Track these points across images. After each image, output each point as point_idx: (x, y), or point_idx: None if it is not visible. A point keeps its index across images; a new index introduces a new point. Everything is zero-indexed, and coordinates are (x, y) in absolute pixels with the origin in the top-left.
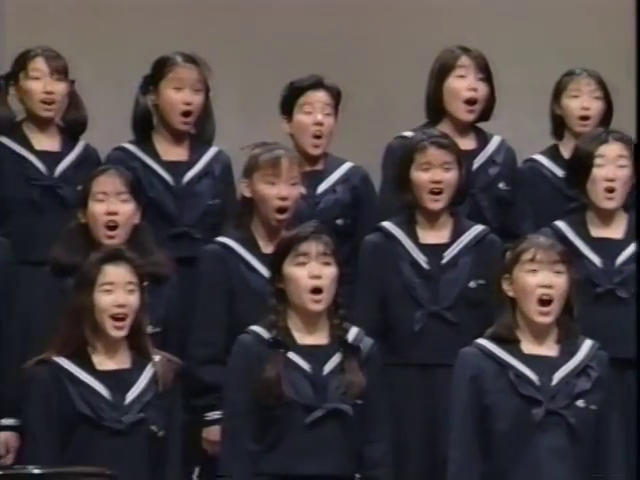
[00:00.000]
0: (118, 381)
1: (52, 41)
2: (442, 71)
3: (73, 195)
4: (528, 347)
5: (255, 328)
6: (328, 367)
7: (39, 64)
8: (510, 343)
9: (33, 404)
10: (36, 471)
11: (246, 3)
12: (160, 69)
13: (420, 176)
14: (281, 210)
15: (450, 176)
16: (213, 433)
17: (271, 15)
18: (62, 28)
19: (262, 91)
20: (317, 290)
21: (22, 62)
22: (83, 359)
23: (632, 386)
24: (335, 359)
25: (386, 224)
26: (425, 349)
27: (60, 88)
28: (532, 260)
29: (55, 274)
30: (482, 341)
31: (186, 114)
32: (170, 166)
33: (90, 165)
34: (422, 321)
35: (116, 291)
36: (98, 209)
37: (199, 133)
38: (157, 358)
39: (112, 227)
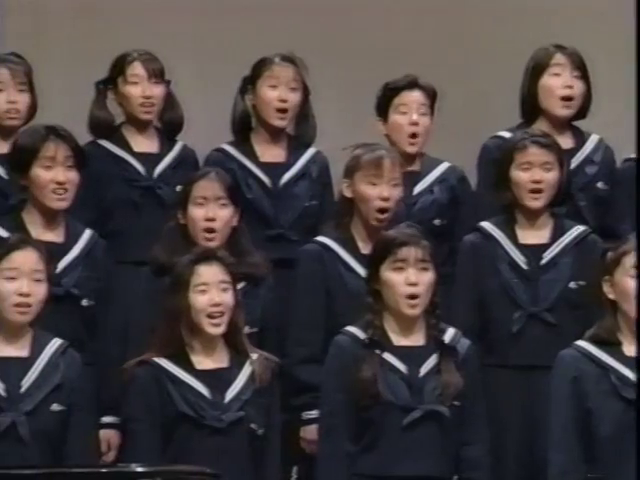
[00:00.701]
0: (217, 380)
1: (151, 43)
2: (537, 69)
3: (172, 195)
4: (630, 350)
5: (351, 329)
6: (424, 368)
7: (137, 69)
8: (611, 345)
9: (134, 404)
10: (139, 469)
11: (345, 4)
12: (258, 69)
13: (520, 176)
14: (382, 210)
15: (550, 176)
16: (310, 432)
17: (369, 16)
18: (158, 29)
19: (361, 92)
20: (414, 296)
21: (120, 67)
22: (182, 359)
23: None
24: (432, 360)
25: (484, 224)
26: (523, 350)
27: (158, 91)
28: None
29: (154, 274)
30: (582, 343)
31: (281, 111)
32: (268, 167)
33: (188, 166)
34: (521, 322)
35: (210, 290)
36: (197, 214)
37: (298, 135)
38: (255, 356)
39: (210, 231)
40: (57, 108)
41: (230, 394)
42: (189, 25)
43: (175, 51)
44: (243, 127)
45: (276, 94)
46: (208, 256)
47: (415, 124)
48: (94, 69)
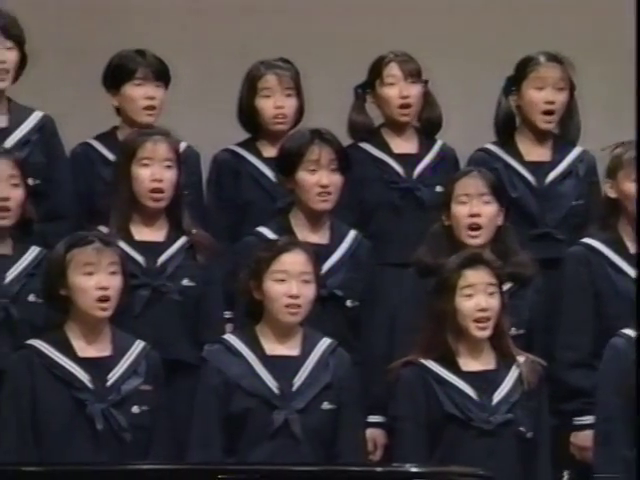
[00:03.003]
0: (484, 382)
1: (408, 43)
2: None
3: (431, 197)
4: None
5: (627, 331)
6: None
7: (393, 70)
8: None
9: (401, 403)
10: (414, 469)
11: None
12: (523, 69)
13: None
14: None
15: None
16: (582, 438)
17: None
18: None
19: (626, 90)
20: None
21: (377, 69)
22: (448, 361)
23: None
24: None
25: None
26: None
27: (415, 91)
28: None
29: (420, 275)
30: None
31: (548, 113)
32: (533, 166)
33: (447, 166)
34: None
35: (477, 295)
36: (461, 211)
37: (563, 133)
38: (521, 359)
39: (475, 228)
40: (325, 111)
41: (498, 396)
42: (447, 24)
43: (433, 50)
44: (507, 127)
45: (542, 95)
46: (475, 260)
47: None
48: (360, 73)
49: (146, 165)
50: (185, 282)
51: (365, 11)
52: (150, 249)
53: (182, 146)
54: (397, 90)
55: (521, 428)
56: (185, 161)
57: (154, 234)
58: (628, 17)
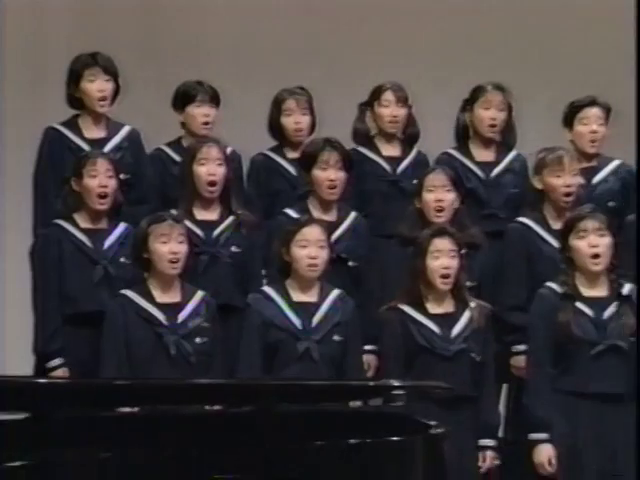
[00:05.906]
0: (445, 321)
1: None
2: None
3: (411, 187)
4: None
5: (550, 284)
6: (607, 313)
7: (389, 95)
8: None
9: (388, 337)
10: (396, 383)
11: None
12: (475, 94)
13: None
14: (567, 195)
15: None
16: (519, 361)
17: None
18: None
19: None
20: (596, 256)
21: (376, 93)
22: (420, 306)
23: None
24: (613, 307)
25: None
26: None
27: (402, 112)
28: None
29: (401, 244)
30: None
31: (493, 126)
32: (482, 165)
33: (422, 165)
34: None
35: (442, 257)
36: (430, 198)
37: (503, 140)
38: (473, 304)
39: (439, 210)
40: (335, 125)
41: (455, 331)
42: (427, 58)
43: (423, 83)
44: (463, 135)
45: (488, 114)
46: (442, 232)
47: None
48: (361, 97)
49: (203, 164)
50: (234, 249)
51: (365, 46)
52: (208, 226)
53: (229, 150)
54: (389, 110)
55: (472, 354)
56: (231, 161)
57: (211, 214)
58: None
